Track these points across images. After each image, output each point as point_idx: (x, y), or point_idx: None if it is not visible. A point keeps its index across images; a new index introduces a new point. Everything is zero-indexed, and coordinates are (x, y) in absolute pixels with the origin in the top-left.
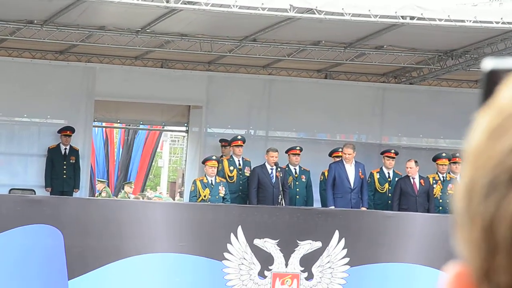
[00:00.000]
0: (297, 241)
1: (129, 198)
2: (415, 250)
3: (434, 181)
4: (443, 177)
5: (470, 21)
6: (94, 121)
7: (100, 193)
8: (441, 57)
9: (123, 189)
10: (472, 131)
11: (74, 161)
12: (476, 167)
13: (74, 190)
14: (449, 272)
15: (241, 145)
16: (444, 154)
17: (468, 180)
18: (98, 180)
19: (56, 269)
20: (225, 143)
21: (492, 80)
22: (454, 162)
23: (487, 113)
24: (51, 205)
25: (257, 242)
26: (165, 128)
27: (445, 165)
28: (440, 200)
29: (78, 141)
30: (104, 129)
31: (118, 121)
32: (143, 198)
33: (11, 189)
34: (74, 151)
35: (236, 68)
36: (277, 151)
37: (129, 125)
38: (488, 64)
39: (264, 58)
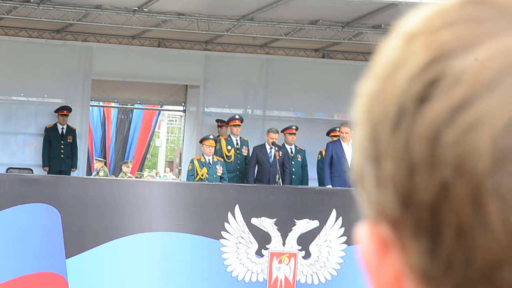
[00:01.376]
0: (295, 220)
1: (127, 177)
2: None
3: None
4: None
5: None
6: (91, 100)
7: (97, 172)
8: None
9: (121, 169)
10: (363, 83)
11: (71, 141)
12: (375, 111)
13: (72, 169)
14: (360, 233)
15: (239, 125)
16: None
17: (369, 124)
18: (96, 159)
19: (53, 247)
20: (222, 123)
21: None
22: None
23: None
24: (48, 184)
25: (254, 221)
26: (163, 107)
27: None
28: None
29: (75, 120)
30: (101, 108)
31: (115, 100)
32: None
33: (8, 168)
34: (71, 131)
35: (234, 48)
36: (277, 132)
37: (126, 105)
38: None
39: (262, 37)
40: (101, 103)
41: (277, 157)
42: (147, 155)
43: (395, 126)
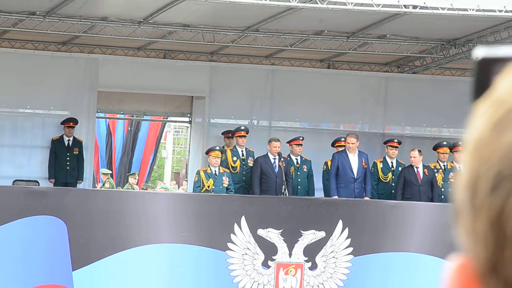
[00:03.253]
0: (301, 231)
1: (133, 189)
2: (419, 240)
3: (435, 170)
4: (444, 165)
5: (473, 9)
6: (97, 112)
7: (103, 184)
8: (444, 46)
9: (127, 180)
10: (473, 122)
11: (77, 153)
12: (479, 160)
13: (78, 181)
14: (452, 263)
15: (245, 136)
16: (445, 143)
17: (471, 172)
18: (102, 172)
19: (60, 260)
20: (228, 134)
21: (483, 69)
22: (456, 151)
23: (488, 104)
24: (54, 196)
25: (260, 232)
26: (168, 118)
27: (446, 153)
28: (442, 189)
29: (81, 132)
30: (107, 120)
31: (121, 112)
32: (147, 189)
33: (15, 181)
34: (77, 143)
35: (239, 59)
36: (279, 141)
37: (132, 116)
38: (480, 52)
39: (267, 48)
40: (107, 115)
41: (281, 167)
42: (154, 167)
43: (492, 189)
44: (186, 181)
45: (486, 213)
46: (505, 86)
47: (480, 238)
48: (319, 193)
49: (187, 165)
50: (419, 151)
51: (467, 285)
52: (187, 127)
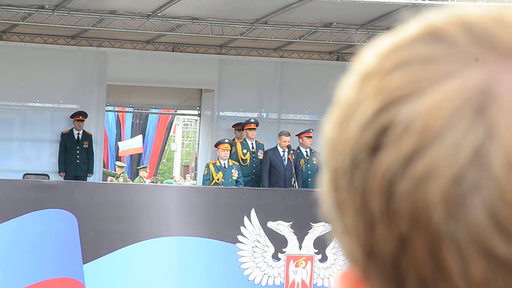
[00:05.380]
0: (311, 223)
1: (145, 182)
2: None
3: None
4: None
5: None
6: (107, 105)
7: (117, 177)
8: None
9: (137, 174)
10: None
11: (87, 146)
12: (333, 159)
13: (88, 175)
14: (337, 277)
15: (254, 128)
16: None
17: (330, 172)
18: (117, 165)
19: (71, 253)
20: (238, 126)
21: None
22: None
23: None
24: (65, 189)
25: (270, 224)
26: (177, 112)
27: None
28: None
29: (91, 125)
30: (115, 113)
31: (130, 105)
32: (157, 182)
33: (25, 174)
34: (87, 136)
35: (248, 51)
36: (289, 135)
37: (141, 109)
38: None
39: (276, 41)
40: (116, 108)
41: (291, 160)
42: (162, 160)
43: (351, 177)
44: (195, 173)
45: (351, 203)
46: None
47: (352, 232)
48: None
49: (196, 158)
50: None
51: (353, 285)
52: (196, 120)
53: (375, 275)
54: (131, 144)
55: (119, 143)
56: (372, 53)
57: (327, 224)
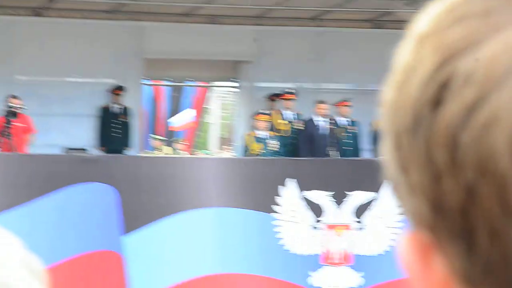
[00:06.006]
0: (349, 192)
1: (180, 154)
2: None
3: None
4: None
5: None
6: (143, 79)
7: (159, 150)
8: None
9: (174, 146)
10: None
11: (125, 120)
12: (395, 120)
13: (125, 148)
14: (401, 242)
15: (293, 99)
16: None
17: (392, 133)
18: (153, 137)
19: (111, 226)
20: (273, 97)
21: None
22: None
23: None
24: (105, 163)
25: (309, 194)
26: (214, 84)
27: None
28: None
29: (129, 99)
30: (151, 86)
31: (167, 78)
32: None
33: (66, 149)
34: (125, 110)
35: (285, 21)
36: (326, 103)
37: (177, 82)
38: None
39: (313, 9)
40: (152, 81)
41: (329, 129)
42: (199, 132)
43: (414, 133)
44: (232, 144)
45: (416, 160)
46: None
47: (418, 189)
48: (367, 154)
49: (233, 129)
50: None
51: (422, 255)
52: (233, 92)
53: (443, 231)
54: (183, 119)
55: (170, 120)
56: (426, 17)
57: (365, 192)
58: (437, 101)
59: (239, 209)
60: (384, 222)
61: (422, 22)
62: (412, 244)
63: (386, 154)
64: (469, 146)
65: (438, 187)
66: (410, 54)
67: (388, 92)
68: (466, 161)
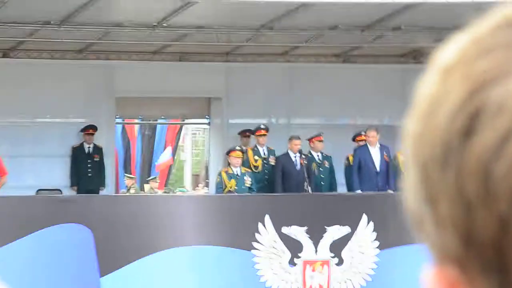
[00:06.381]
0: (326, 227)
1: (156, 193)
2: None
3: None
4: None
5: None
6: (116, 117)
7: (128, 189)
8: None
9: (148, 184)
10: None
11: (98, 159)
12: (421, 152)
13: (100, 188)
14: (426, 277)
15: (265, 134)
16: None
17: (418, 165)
18: (127, 176)
19: (88, 266)
20: (245, 133)
21: None
22: None
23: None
24: (79, 203)
25: (285, 230)
26: (186, 121)
27: None
28: None
29: (101, 139)
30: (123, 125)
31: (140, 117)
32: (169, 193)
33: (38, 190)
34: (97, 149)
35: (255, 58)
36: (299, 139)
37: (149, 120)
38: None
39: (282, 45)
40: (125, 120)
41: (302, 165)
42: (173, 170)
43: (444, 164)
44: (207, 181)
45: (445, 192)
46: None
47: (447, 222)
48: (342, 189)
49: (206, 167)
50: None
51: None
52: (205, 128)
53: (474, 265)
54: (163, 158)
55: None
56: (450, 49)
57: (342, 227)
58: (467, 131)
59: (218, 247)
60: (361, 256)
61: (447, 54)
62: (438, 280)
63: (409, 187)
64: (502, 177)
65: (470, 219)
66: (435, 85)
67: (411, 124)
68: (499, 193)
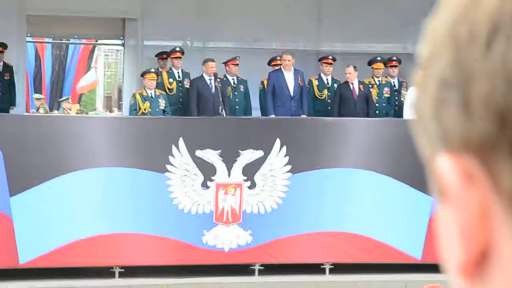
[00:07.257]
0: (239, 150)
1: (68, 114)
2: (356, 156)
3: (370, 86)
4: (378, 81)
5: None
6: (27, 36)
7: (37, 109)
8: None
9: (59, 105)
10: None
11: (8, 78)
12: (460, 34)
13: (10, 107)
14: (441, 166)
15: (180, 57)
16: (379, 58)
17: (452, 51)
18: (35, 97)
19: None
20: (162, 56)
21: None
22: (390, 66)
23: None
24: None
25: (199, 153)
26: (100, 42)
27: (380, 69)
28: (377, 104)
29: (11, 57)
30: (35, 44)
31: (52, 35)
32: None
33: None
34: (8, 68)
35: None
36: (214, 61)
37: (61, 40)
38: None
39: None
40: (36, 39)
41: (217, 88)
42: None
43: (489, 44)
44: (121, 103)
45: (485, 74)
46: None
47: (479, 104)
48: (256, 113)
49: (119, 89)
50: (354, 67)
51: (466, 178)
52: (118, 50)
53: (504, 146)
54: (87, 80)
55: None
56: None
57: (255, 151)
58: None
59: (131, 168)
60: (274, 180)
61: None
62: (455, 169)
63: (431, 75)
64: None
65: (510, 96)
66: None
67: (448, 9)
68: None
